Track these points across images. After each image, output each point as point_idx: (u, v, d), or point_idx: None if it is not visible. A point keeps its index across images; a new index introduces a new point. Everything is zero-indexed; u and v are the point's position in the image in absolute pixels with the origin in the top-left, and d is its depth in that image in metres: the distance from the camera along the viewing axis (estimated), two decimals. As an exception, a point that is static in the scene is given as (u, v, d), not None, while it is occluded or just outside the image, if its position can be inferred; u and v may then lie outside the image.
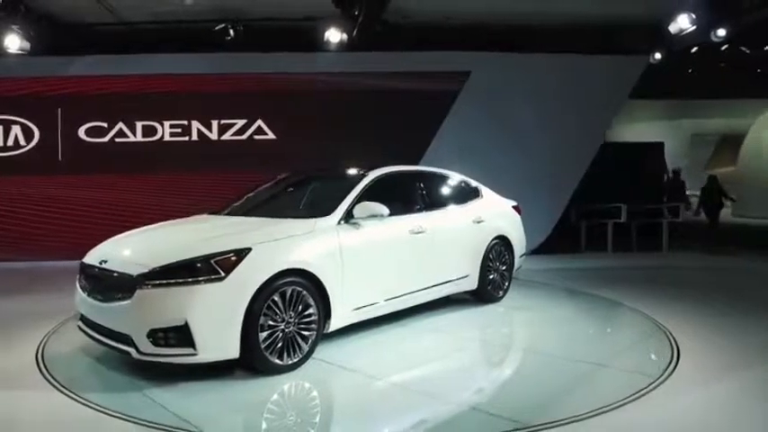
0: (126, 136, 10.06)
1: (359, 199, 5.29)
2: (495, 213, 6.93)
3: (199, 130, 10.09)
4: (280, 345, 4.35)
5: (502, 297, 6.87)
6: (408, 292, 5.69)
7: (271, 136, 10.15)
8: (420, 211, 6.02)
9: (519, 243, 7.20)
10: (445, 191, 6.61)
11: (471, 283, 6.49)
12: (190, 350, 4.02)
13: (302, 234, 4.76)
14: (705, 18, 9.43)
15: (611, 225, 11.33)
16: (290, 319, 4.44)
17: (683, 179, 13.69)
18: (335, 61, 10.08)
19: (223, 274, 4.13)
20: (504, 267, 6.90)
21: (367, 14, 8.61)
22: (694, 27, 9.49)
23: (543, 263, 9.36)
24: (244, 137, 10.15)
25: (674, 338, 5.25)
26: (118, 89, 10.02)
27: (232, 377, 4.30)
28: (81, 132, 10.00)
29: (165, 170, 10.08)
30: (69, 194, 9.99)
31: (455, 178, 6.83)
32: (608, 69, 10.75)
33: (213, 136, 10.10)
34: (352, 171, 5.95)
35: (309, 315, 4.59)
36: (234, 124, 10.12)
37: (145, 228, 5.41)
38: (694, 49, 11.36)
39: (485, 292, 6.64)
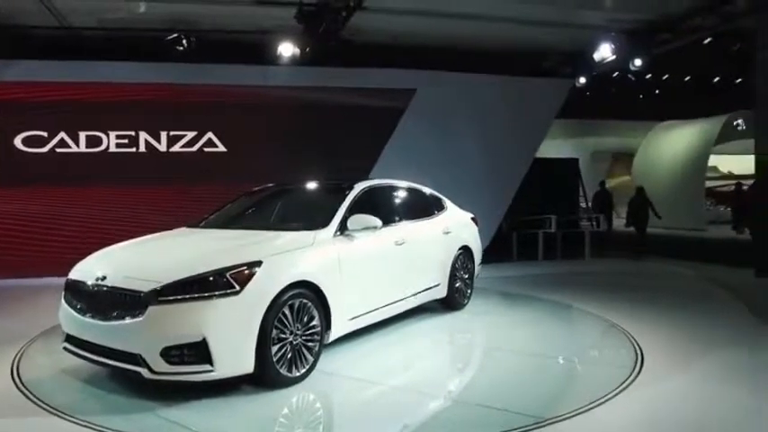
0: (68, 146, 9.47)
1: (350, 211, 5.32)
2: (459, 225, 7.17)
3: (147, 141, 9.69)
4: (289, 357, 4.31)
5: (466, 304, 7.11)
6: (394, 301, 5.81)
7: (221, 148, 9.92)
8: (399, 222, 6.13)
9: (478, 253, 7.49)
10: (418, 203, 6.77)
11: (442, 292, 6.68)
12: (206, 367, 3.89)
13: (305, 246, 4.75)
14: (624, 49, 10.24)
15: (541, 235, 11.91)
16: (296, 331, 4.41)
17: (609, 190, 14.27)
18: (288, 75, 10.04)
19: (238, 287, 4.04)
20: (466, 276, 7.15)
21: (327, 30, 8.64)
22: (614, 57, 10.28)
23: (484, 272, 9.69)
24: (194, 149, 9.85)
25: (630, 335, 5.65)
26: (60, 96, 9.42)
27: (239, 392, 4.18)
28: (17, 142, 9.27)
29: (109, 182, 9.56)
30: (2, 209, 9.23)
31: (425, 191, 7.01)
32: (538, 91, 11.44)
33: (162, 147, 9.72)
34: (335, 183, 5.98)
35: (314, 327, 4.59)
36: (183, 136, 9.81)
37: (132, 242, 5.17)
38: (616, 74, 12.20)
39: (452, 300, 6.84)
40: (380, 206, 5.86)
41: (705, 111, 20.15)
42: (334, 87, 10.37)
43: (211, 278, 4.01)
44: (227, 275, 4.05)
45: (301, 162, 9.68)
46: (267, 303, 4.17)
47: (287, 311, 4.31)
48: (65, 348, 4.49)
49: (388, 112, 10.68)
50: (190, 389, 4.09)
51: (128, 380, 4.40)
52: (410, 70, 10.65)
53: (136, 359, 3.89)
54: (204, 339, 3.85)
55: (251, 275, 4.12)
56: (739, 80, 23.66)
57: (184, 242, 5.08)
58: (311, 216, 5.35)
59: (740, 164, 22.84)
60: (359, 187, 5.70)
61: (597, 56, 10.42)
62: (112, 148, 9.55)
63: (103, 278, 4.20)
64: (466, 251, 7.14)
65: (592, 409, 3.84)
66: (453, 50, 10.94)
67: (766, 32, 9.36)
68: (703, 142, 19.62)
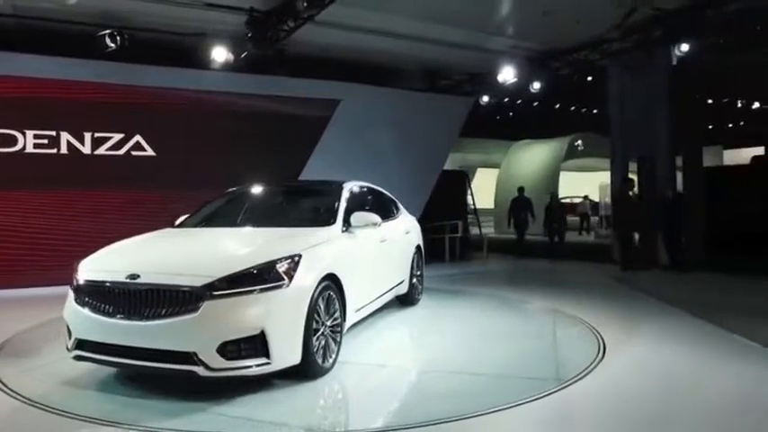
0: (-27, 145, 8.26)
1: (347, 209, 5.36)
2: (412, 226, 7.46)
3: (69, 142, 8.76)
4: (322, 348, 4.29)
5: (419, 300, 7.34)
6: (379, 295, 5.96)
7: (150, 153, 9.26)
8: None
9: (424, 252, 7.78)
10: (385, 204, 6.95)
11: (404, 288, 6.90)
12: (263, 360, 3.79)
13: (325, 241, 4.73)
14: (524, 72, 11.27)
15: (447, 239, 12.51)
16: (326, 322, 4.41)
17: (527, 197, 14.15)
18: (221, 81, 9.67)
19: (286, 280, 3.97)
20: (419, 273, 7.42)
21: (270, 38, 8.49)
22: (516, 79, 11.26)
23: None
24: (120, 152, 9.10)
25: (580, 318, 6.28)
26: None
27: (274, 386, 4.07)
28: None
29: (27, 185, 8.51)
30: None
31: (386, 194, 7.17)
32: (446, 107, 12.11)
33: (85, 150, 8.84)
34: (320, 182, 6.03)
35: (336, 318, 4.60)
36: (109, 138, 9.02)
37: (132, 242, 4.78)
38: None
39: (410, 296, 7.09)
40: (363, 206, 5.96)
41: (550, 132, 22.52)
42: (266, 95, 10.18)
43: (263, 271, 3.92)
44: (276, 268, 3.94)
45: (232, 167, 9.35)
46: (310, 295, 4.15)
47: (321, 303, 4.30)
48: (77, 357, 4.06)
49: (315, 120, 10.71)
50: (225, 386, 3.92)
51: (144, 382, 4.18)
52: (336, 82, 10.80)
53: (189, 358, 3.67)
54: (262, 332, 3.75)
55: (295, 268, 4.06)
56: (582, 108, 26.82)
57: (205, 240, 4.85)
58: (312, 213, 5.34)
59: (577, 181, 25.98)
60: (347, 187, 5.76)
61: (501, 77, 11.30)
62: (30, 149, 8.51)
63: (136, 276, 3.86)
64: (418, 251, 7.42)
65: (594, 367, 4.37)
66: (376, 65, 11.27)
67: (613, 67, 10.96)
68: (554, 159, 21.79)
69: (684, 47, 9.17)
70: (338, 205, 5.32)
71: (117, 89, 9.01)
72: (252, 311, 3.76)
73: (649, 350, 5.18)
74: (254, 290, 3.82)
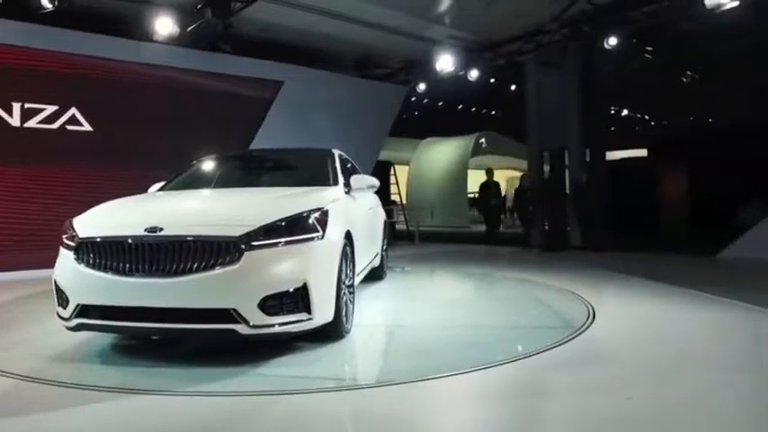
0: None
1: (342, 172, 5.15)
2: (378, 200, 7.29)
3: (-5, 112, 7.63)
4: (344, 307, 4.05)
5: (385, 275, 7.21)
6: (369, 262, 5.78)
7: (87, 128, 8.33)
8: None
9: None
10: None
11: (378, 260, 6.74)
12: (305, 315, 3.52)
13: (338, 199, 4.48)
14: (461, 62, 11.46)
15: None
16: (346, 282, 4.16)
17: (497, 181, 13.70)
18: (163, 54, 8.92)
19: (321, 231, 3.70)
20: (385, 248, 7.28)
21: (223, 12, 7.95)
22: (453, 68, 11.41)
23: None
24: (54, 126, 8.10)
25: (544, 282, 6.53)
26: None
27: (299, 348, 3.81)
28: None
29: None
30: None
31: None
32: (383, 94, 12.04)
33: (14, 122, 7.78)
34: (308, 149, 5.78)
35: (351, 278, 4.39)
36: (42, 110, 7.99)
37: (140, 198, 4.31)
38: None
39: (381, 269, 6.93)
40: (350, 172, 5.74)
41: (453, 132, 23.25)
42: (210, 72, 9.53)
43: (299, 221, 3.63)
44: (313, 219, 3.66)
45: (173, 145, 8.68)
46: (340, 250, 3.92)
47: (343, 261, 4.05)
48: (77, 327, 3.56)
49: (259, 101, 10.22)
50: (246, 349, 3.66)
51: (146, 351, 3.92)
52: (279, 63, 10.39)
53: (228, 315, 3.32)
54: (305, 285, 3.48)
55: (326, 220, 3.79)
56: (482, 110, 27.87)
57: (216, 197, 4.45)
58: (310, 175, 5.01)
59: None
60: (336, 152, 5.52)
61: (439, 66, 11.39)
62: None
63: (158, 229, 3.41)
64: (385, 226, 7.29)
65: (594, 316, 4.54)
66: (316, 49, 10.95)
67: (531, 63, 11.51)
68: (461, 156, 22.50)
69: (612, 41, 9.75)
70: (336, 167, 5.09)
71: (51, 56, 8.02)
72: (294, 263, 3.47)
73: (626, 303, 5.50)
74: (295, 240, 3.53)
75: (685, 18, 9.61)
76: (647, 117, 27.43)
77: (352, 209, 4.81)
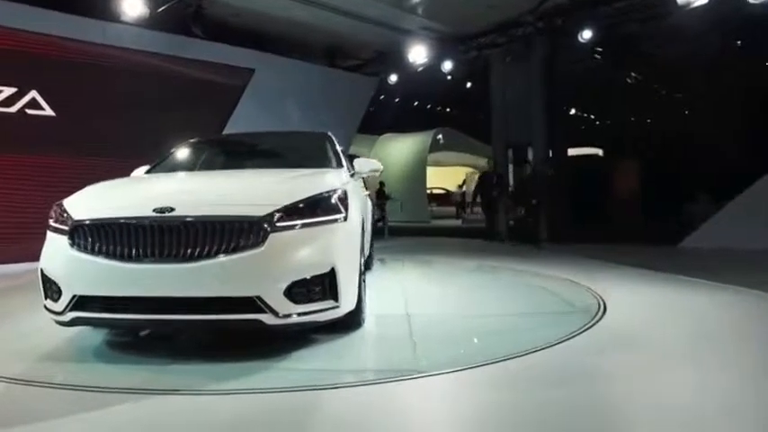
0: None
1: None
2: (366, 191, 7.02)
3: (-56, 94, 6.85)
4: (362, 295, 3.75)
5: (373, 264, 6.93)
6: (369, 250, 5.46)
7: (48, 112, 7.62)
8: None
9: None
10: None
11: (367, 249, 6.43)
12: (332, 303, 3.19)
13: (348, 182, 4.14)
14: (434, 53, 11.28)
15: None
16: (361, 267, 3.85)
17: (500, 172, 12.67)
18: (131, 36, 8.29)
19: (344, 212, 3.37)
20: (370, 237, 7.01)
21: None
22: (426, 59, 11.23)
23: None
24: (12, 109, 7.36)
25: (537, 269, 6.44)
26: None
27: (317, 341, 3.49)
28: None
29: None
30: None
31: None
32: (354, 85, 11.71)
33: (-34, 104, 7.00)
34: (302, 132, 5.40)
35: (362, 264, 4.06)
36: (-1, 91, 7.22)
37: (126, 180, 3.85)
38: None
39: (370, 258, 6.64)
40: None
41: (411, 128, 23.11)
42: (182, 57, 8.92)
43: (322, 201, 3.31)
44: (336, 199, 3.33)
45: (141, 133, 8.12)
46: (360, 233, 3.59)
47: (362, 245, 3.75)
48: (72, 321, 3.13)
49: (230, 88, 9.71)
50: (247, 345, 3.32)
51: (147, 348, 3.53)
52: (251, 50, 9.92)
53: (252, 304, 2.96)
54: (333, 269, 3.16)
55: (346, 201, 3.46)
56: (437, 107, 27.87)
57: (222, 178, 4.01)
58: (311, 158, 4.61)
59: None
60: (331, 136, 5.15)
61: (412, 57, 11.17)
62: None
63: (169, 209, 3.00)
64: (372, 214, 7.02)
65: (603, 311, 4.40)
66: (284, 37, 10.53)
67: (497, 61, 11.52)
68: (420, 152, 22.44)
69: (587, 34, 9.78)
70: (336, 149, 4.77)
71: (8, 34, 7.26)
72: (321, 246, 3.14)
73: (626, 289, 5.44)
74: (320, 221, 3.19)
75: (652, 17, 9.74)
76: (592, 116, 28.18)
77: (358, 192, 4.50)
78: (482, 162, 23.02)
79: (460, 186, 23.72)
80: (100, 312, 3.09)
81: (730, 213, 8.77)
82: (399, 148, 23.31)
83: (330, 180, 3.69)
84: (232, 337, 3.57)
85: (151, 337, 3.69)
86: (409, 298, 5.18)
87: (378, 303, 4.75)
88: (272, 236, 2.99)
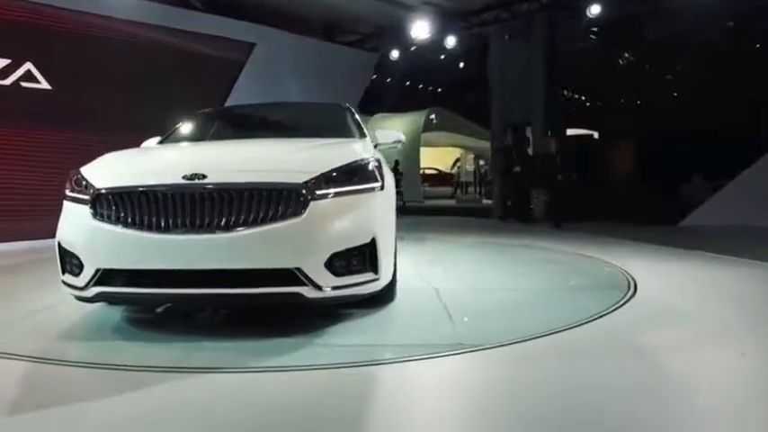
0: None
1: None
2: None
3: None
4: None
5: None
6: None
7: (45, 85, 7.27)
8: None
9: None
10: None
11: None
12: (372, 275, 3.01)
13: (375, 153, 3.92)
14: (437, 28, 10.99)
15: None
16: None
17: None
18: (129, 8, 7.93)
19: (381, 181, 3.18)
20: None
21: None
22: (429, 35, 10.96)
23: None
24: (6, 82, 7.00)
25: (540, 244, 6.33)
26: None
27: (349, 316, 3.31)
28: None
29: None
30: None
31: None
32: (354, 61, 11.42)
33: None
34: (318, 103, 5.15)
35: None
36: (-9, 62, 6.86)
37: (145, 149, 3.61)
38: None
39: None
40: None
41: (403, 107, 22.76)
42: (179, 30, 8.57)
43: (360, 169, 3.11)
44: (372, 166, 3.13)
45: (141, 107, 7.79)
46: (395, 202, 3.40)
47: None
48: (96, 297, 2.92)
49: (231, 62, 9.39)
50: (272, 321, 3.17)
51: (174, 324, 3.36)
52: (251, 24, 9.60)
53: (291, 276, 2.77)
54: (373, 240, 2.98)
55: (381, 170, 3.26)
56: (429, 87, 27.53)
57: (248, 146, 3.78)
58: (333, 128, 4.37)
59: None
60: (350, 106, 4.91)
61: (414, 32, 10.89)
62: None
63: (200, 176, 2.79)
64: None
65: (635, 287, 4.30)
66: (282, 11, 10.18)
67: (497, 39, 11.26)
68: (413, 132, 22.13)
69: (595, 9, 9.57)
70: (357, 119, 4.54)
71: (3, 3, 6.86)
72: (361, 215, 2.96)
73: (650, 264, 5.31)
74: (359, 190, 3.00)
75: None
76: (584, 98, 28.05)
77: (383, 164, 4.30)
78: (469, 142, 22.88)
79: (455, 166, 23.50)
80: (126, 287, 2.88)
81: (731, 192, 8.82)
82: (393, 128, 23.01)
83: (359, 149, 3.49)
84: (253, 313, 3.38)
85: (167, 313, 3.50)
86: (431, 271, 5.01)
87: (402, 279, 4.61)
88: (312, 204, 2.79)
